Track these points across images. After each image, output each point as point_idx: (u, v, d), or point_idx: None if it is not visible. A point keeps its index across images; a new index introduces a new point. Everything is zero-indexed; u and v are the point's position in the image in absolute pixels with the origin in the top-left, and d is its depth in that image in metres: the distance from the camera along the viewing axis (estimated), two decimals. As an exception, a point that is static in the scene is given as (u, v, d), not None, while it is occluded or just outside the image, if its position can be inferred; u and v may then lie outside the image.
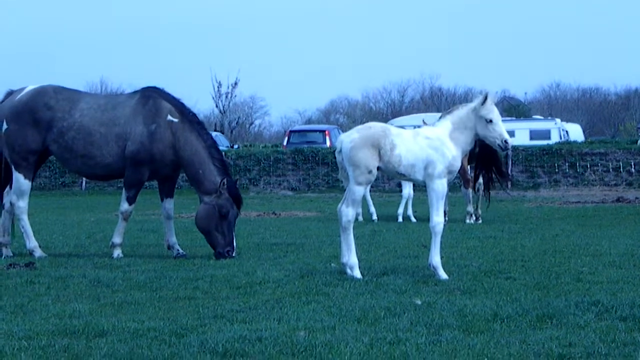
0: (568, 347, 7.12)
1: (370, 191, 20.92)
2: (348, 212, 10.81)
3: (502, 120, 11.01)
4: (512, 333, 7.64)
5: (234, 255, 13.05)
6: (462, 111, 10.90)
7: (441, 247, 10.82)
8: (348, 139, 10.83)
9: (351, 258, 10.84)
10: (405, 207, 20.71)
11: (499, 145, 10.82)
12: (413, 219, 20.34)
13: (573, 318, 8.16)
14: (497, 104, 10.92)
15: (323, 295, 9.58)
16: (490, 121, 10.68)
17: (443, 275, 10.65)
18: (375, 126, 10.93)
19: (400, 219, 20.34)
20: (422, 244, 14.20)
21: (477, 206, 19.97)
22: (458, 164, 10.90)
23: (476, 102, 10.83)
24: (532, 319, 8.12)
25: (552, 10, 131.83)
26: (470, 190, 19.98)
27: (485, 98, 10.74)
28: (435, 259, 10.72)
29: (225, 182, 13.19)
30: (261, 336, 7.47)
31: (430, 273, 10.80)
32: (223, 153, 14.25)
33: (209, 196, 13.22)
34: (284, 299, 9.33)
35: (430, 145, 10.74)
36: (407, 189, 20.74)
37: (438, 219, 10.70)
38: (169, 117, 13.42)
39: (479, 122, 10.74)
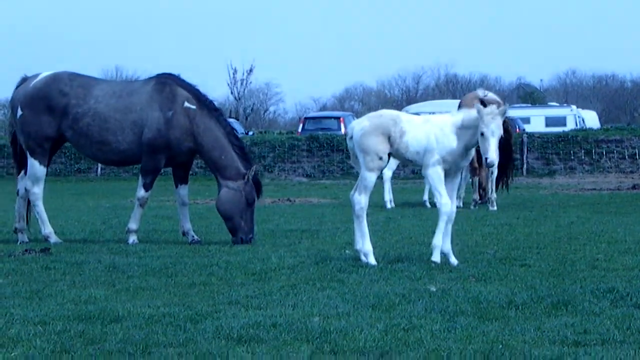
0: (583, 334, 7.10)
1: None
2: (360, 200, 10.80)
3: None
4: (527, 320, 7.63)
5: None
6: (473, 111, 10.67)
7: (453, 234, 10.77)
8: (359, 127, 10.87)
9: (365, 245, 10.84)
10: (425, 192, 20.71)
11: (485, 158, 10.51)
12: (428, 205, 20.31)
13: (588, 305, 8.13)
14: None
15: (337, 281, 9.59)
16: (482, 134, 10.48)
17: (437, 258, 10.62)
18: (385, 114, 10.99)
19: (428, 205, 20.34)
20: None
21: (491, 190, 19.89)
22: (455, 158, 10.72)
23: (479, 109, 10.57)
24: (547, 306, 8.11)
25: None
26: (477, 178, 20.09)
27: (480, 110, 10.43)
28: (436, 239, 10.71)
29: (254, 169, 13.25)
30: (276, 322, 7.48)
31: (446, 260, 10.79)
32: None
33: (233, 182, 13.24)
34: (299, 286, 9.34)
35: (433, 133, 10.71)
36: None
37: (442, 200, 10.68)
38: (186, 104, 13.42)
39: (478, 128, 10.59)
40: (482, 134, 10.45)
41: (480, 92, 20.13)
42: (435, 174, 10.68)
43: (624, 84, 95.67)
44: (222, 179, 13.32)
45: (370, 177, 10.82)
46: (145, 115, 13.37)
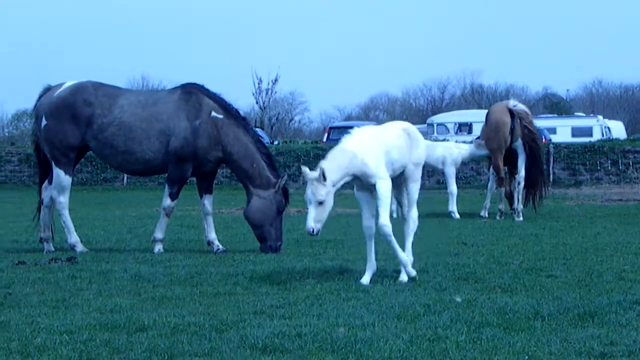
0: (609, 345, 7.06)
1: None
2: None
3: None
4: (553, 331, 7.60)
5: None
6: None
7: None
8: None
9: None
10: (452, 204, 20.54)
11: None
12: (456, 216, 20.25)
13: (615, 316, 8.09)
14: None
15: (363, 292, 9.58)
16: None
17: (404, 276, 10.28)
18: None
19: (456, 216, 20.20)
20: (462, 242, 14.16)
21: (518, 201, 19.77)
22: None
23: None
24: (574, 317, 8.07)
25: (595, 6, 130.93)
26: (503, 189, 19.97)
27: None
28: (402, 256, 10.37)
29: (285, 178, 13.32)
30: (301, 332, 7.48)
31: (471, 271, 10.76)
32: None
33: (264, 190, 13.29)
34: (324, 295, 9.33)
35: None
36: (452, 186, 20.64)
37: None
38: (213, 114, 13.47)
39: None
40: None
41: (511, 103, 20.11)
42: None
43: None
44: (253, 188, 13.36)
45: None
46: (172, 124, 13.40)
